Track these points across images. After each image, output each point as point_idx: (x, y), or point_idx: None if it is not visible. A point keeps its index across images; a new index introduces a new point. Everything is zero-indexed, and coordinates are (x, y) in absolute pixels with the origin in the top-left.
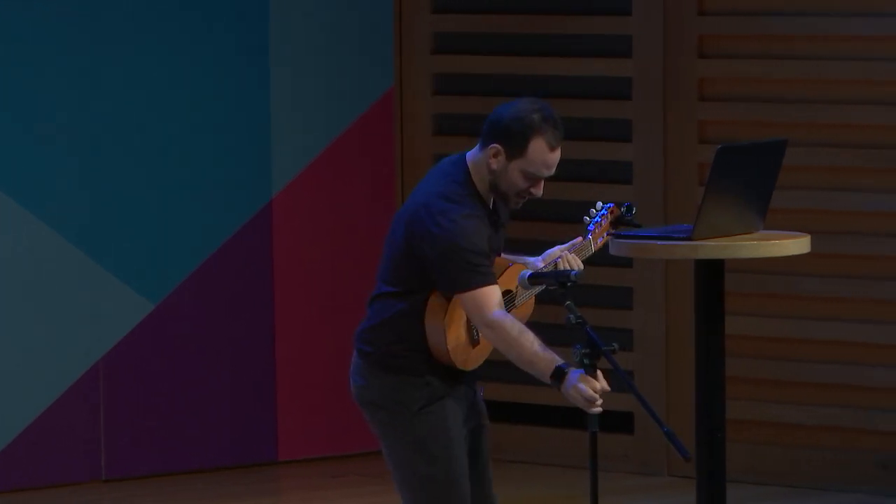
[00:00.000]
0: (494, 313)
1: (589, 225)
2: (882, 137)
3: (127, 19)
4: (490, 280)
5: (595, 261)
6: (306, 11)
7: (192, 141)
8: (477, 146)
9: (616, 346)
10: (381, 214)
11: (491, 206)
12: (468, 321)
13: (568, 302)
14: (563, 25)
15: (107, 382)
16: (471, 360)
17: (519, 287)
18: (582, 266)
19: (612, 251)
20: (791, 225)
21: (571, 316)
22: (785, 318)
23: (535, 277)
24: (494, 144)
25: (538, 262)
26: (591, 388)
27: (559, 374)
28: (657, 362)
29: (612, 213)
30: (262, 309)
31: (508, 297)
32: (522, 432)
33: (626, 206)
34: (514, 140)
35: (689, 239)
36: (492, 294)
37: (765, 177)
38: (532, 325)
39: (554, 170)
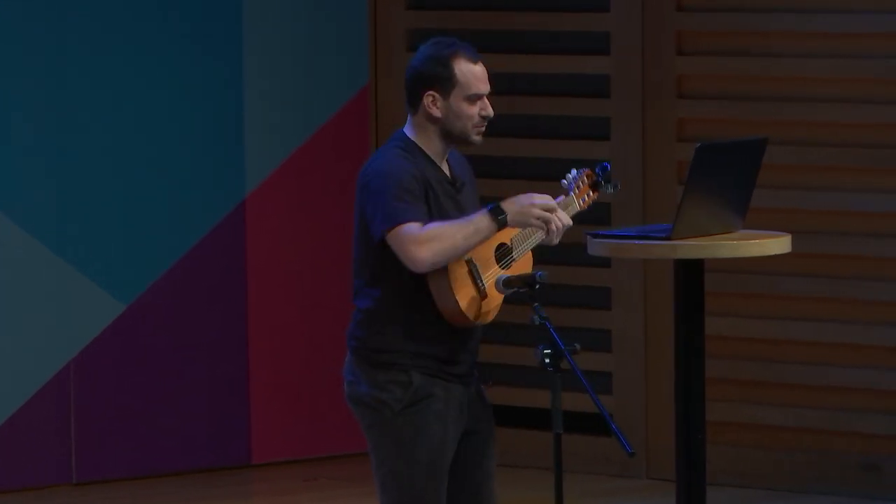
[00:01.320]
0: (423, 229)
1: (569, 185)
2: (864, 136)
3: (97, 18)
4: (419, 217)
5: (572, 261)
6: (280, 7)
7: (163, 139)
8: (408, 117)
9: (578, 346)
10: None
11: (447, 171)
12: (471, 273)
13: (535, 304)
14: (539, 22)
15: (78, 384)
16: (483, 312)
17: (514, 241)
18: (570, 221)
19: (591, 251)
20: (771, 224)
21: (536, 317)
22: (766, 318)
23: (508, 281)
24: (427, 93)
25: None
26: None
27: (497, 210)
28: (636, 363)
29: (588, 177)
30: (235, 309)
31: (505, 250)
32: (501, 434)
33: (601, 168)
34: (439, 76)
35: (668, 238)
36: (419, 226)
37: (745, 176)
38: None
39: (488, 84)
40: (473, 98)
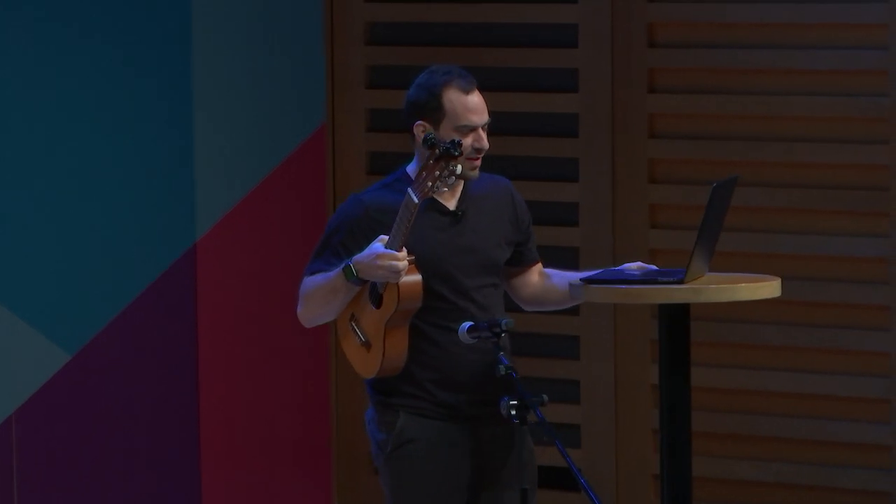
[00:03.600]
0: (302, 287)
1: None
2: (844, 177)
3: (38, 59)
4: (322, 270)
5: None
6: (231, 42)
7: (109, 181)
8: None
9: (545, 398)
10: None
11: (449, 201)
12: (353, 330)
13: (500, 353)
14: (504, 58)
15: (20, 440)
16: (372, 366)
17: None
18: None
19: (587, 298)
20: (747, 269)
21: (501, 367)
22: (740, 368)
23: (472, 329)
24: (417, 123)
25: None
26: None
27: (348, 269)
28: (606, 415)
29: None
30: (185, 360)
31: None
32: None
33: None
34: (428, 105)
35: (682, 282)
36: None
37: (720, 217)
38: None
39: (485, 115)
40: (464, 129)
